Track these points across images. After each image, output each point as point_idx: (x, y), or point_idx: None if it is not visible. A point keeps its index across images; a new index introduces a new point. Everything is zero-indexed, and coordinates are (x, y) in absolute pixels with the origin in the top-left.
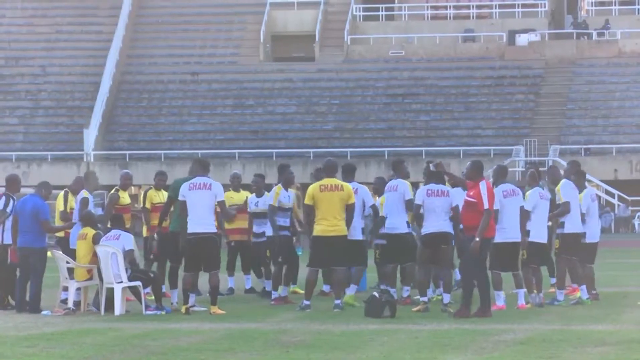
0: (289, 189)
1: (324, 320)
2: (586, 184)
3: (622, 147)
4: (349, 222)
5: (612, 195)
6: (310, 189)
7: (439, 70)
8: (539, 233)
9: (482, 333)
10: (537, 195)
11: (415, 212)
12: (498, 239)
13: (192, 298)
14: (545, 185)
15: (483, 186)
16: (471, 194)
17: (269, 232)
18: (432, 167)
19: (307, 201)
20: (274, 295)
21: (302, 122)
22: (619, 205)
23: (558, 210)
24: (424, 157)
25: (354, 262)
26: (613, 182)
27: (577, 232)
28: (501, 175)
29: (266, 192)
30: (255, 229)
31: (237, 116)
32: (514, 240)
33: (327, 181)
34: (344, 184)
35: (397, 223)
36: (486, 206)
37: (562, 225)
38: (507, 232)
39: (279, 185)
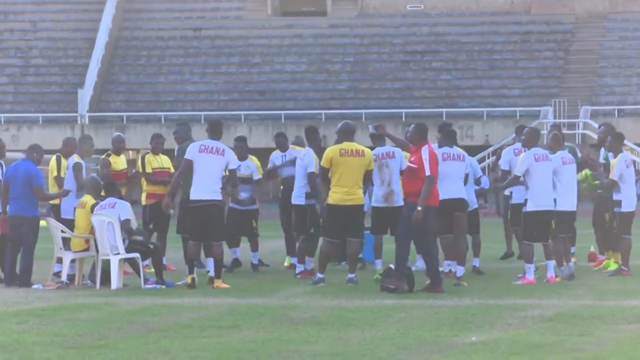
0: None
1: (337, 295)
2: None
3: None
4: (366, 189)
5: None
6: (329, 151)
7: (461, 26)
8: (566, 201)
9: (507, 309)
10: (560, 160)
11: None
12: (529, 207)
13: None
14: (576, 148)
15: (425, 151)
16: (412, 159)
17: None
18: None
19: (324, 164)
20: (300, 268)
21: (313, 82)
22: None
23: (605, 184)
24: (444, 119)
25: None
26: None
27: (632, 211)
28: (533, 138)
29: (250, 157)
30: (241, 195)
31: (242, 75)
32: (546, 209)
33: (347, 145)
34: (365, 149)
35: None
36: (427, 173)
37: (619, 204)
38: (538, 199)
39: (311, 150)
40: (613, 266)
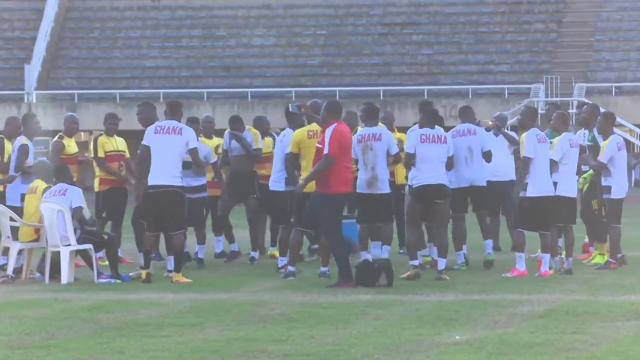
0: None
1: (308, 289)
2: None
3: None
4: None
5: None
6: (297, 134)
7: None
8: (567, 186)
9: (495, 305)
10: (567, 142)
11: (406, 163)
12: (529, 192)
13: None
14: (574, 129)
15: (329, 130)
16: (320, 139)
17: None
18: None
19: (292, 149)
20: (283, 261)
21: (283, 57)
22: None
23: (594, 165)
24: (426, 97)
25: (383, 220)
26: None
27: (622, 197)
28: (531, 118)
29: (201, 138)
30: (187, 181)
31: (206, 49)
32: (547, 195)
33: (316, 127)
34: None
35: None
36: (326, 151)
37: (609, 190)
38: (539, 184)
39: (292, 130)
40: (598, 259)
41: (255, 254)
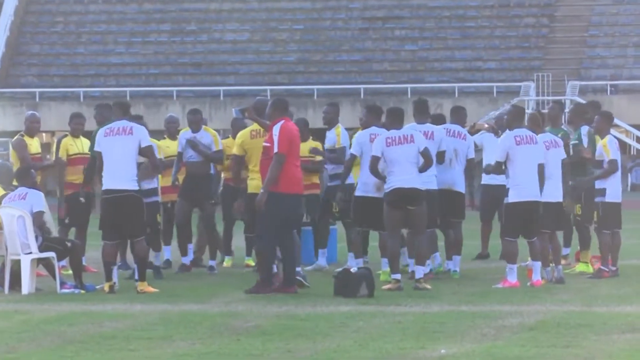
0: None
1: (285, 301)
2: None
3: None
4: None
5: None
6: (239, 136)
7: None
8: (548, 191)
9: (482, 316)
10: (542, 145)
11: (371, 167)
12: (511, 197)
13: (115, 273)
14: (569, 130)
15: (277, 127)
16: (267, 137)
17: None
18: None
19: (236, 151)
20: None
21: (257, 53)
22: None
23: (604, 170)
24: (409, 96)
25: (378, 226)
26: None
27: (619, 202)
28: (517, 118)
29: (150, 139)
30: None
31: (175, 45)
32: (531, 199)
33: (258, 126)
34: None
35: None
36: (275, 149)
37: (603, 192)
38: (522, 188)
39: None
40: (582, 267)
41: (214, 263)
